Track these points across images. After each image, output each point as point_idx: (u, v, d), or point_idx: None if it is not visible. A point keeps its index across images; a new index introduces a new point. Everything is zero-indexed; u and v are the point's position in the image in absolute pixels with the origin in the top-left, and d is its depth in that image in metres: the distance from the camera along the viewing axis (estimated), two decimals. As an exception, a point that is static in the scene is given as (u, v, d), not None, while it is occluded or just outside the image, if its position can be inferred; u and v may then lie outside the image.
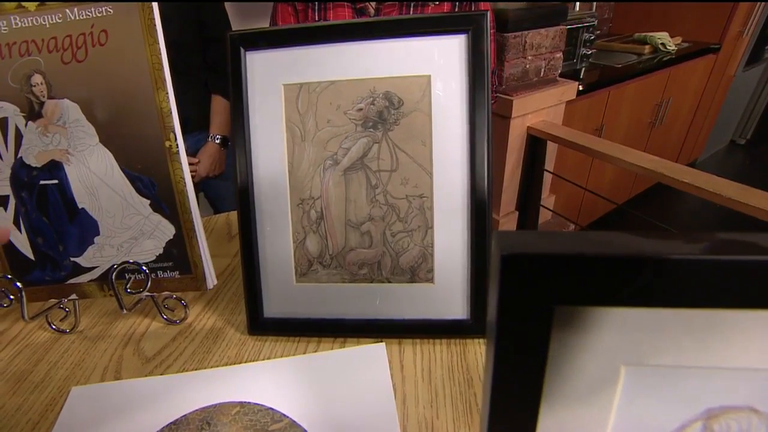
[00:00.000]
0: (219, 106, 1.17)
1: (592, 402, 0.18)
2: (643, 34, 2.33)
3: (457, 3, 0.92)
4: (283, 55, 0.46)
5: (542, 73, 1.63)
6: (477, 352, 0.47)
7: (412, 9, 0.90)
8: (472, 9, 0.92)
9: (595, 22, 1.94)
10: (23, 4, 0.46)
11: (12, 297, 0.51)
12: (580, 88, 1.72)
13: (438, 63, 0.44)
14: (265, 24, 1.56)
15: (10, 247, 0.53)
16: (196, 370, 0.48)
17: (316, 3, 0.93)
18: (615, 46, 2.36)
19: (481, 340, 0.48)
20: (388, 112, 0.45)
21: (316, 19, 0.93)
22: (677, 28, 2.43)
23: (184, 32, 1.08)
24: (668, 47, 2.23)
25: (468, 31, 0.43)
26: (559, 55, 1.65)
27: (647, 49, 2.24)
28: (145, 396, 0.45)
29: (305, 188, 0.47)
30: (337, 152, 0.46)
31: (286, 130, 0.46)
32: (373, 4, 0.90)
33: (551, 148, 1.75)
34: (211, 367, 0.48)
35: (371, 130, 0.45)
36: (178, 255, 0.51)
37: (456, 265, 0.46)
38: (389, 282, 0.47)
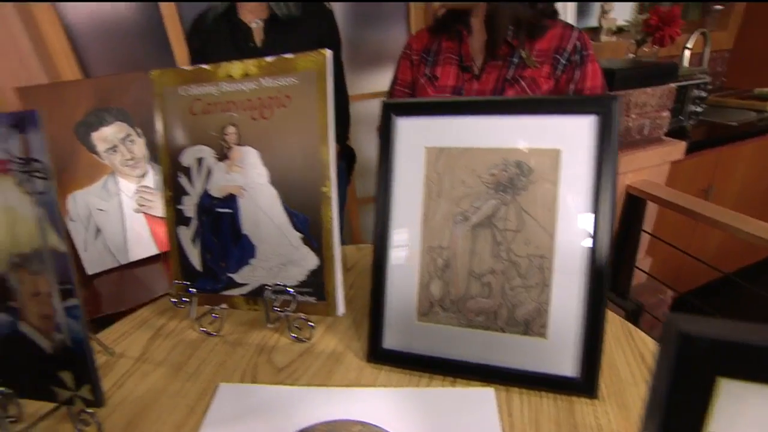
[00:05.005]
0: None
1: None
2: (766, 89, 2.16)
3: (558, 66, 0.93)
4: (428, 123, 0.53)
5: (646, 132, 1.58)
6: (584, 412, 0.48)
7: (512, 70, 0.95)
8: (575, 74, 0.93)
9: (708, 80, 1.85)
10: (231, 73, 0.59)
11: (186, 299, 0.62)
12: (687, 147, 1.64)
13: (568, 139, 0.49)
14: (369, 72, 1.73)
15: (184, 258, 0.65)
16: (320, 386, 0.55)
17: (429, 58, 1.05)
18: (730, 101, 2.21)
19: (588, 400, 0.49)
20: (518, 179, 0.50)
21: (427, 73, 1.04)
22: (806, 83, 2.22)
23: None
24: (795, 104, 2.04)
25: (599, 113, 0.48)
26: (666, 113, 1.59)
27: (769, 106, 2.07)
28: (279, 401, 0.52)
29: (435, 238, 0.53)
30: (468, 209, 0.52)
31: (424, 186, 0.53)
32: (478, 63, 0.98)
33: (651, 208, 1.67)
34: (333, 386, 0.54)
35: (501, 193, 0.51)
36: (317, 283, 0.60)
37: (570, 324, 0.49)
38: (503, 332, 0.51)
